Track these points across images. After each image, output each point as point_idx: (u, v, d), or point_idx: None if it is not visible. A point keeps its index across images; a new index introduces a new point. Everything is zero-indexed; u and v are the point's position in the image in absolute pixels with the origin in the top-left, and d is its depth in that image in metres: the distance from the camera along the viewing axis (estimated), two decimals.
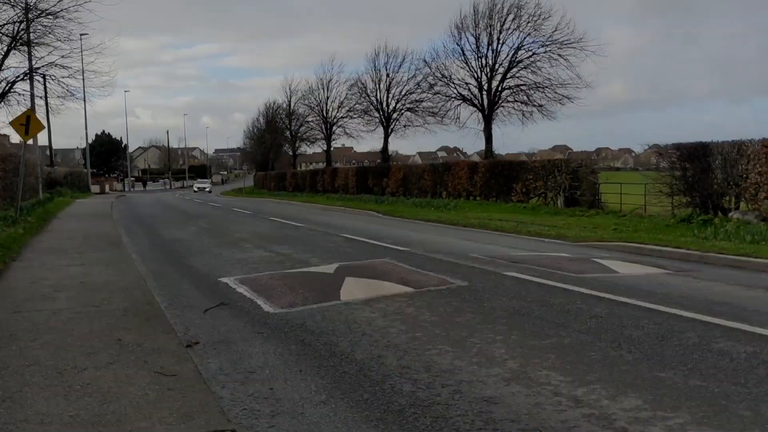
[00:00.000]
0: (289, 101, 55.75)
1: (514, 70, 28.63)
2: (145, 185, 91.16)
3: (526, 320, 6.42)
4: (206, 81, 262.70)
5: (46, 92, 26.66)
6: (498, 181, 25.89)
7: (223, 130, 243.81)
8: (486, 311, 6.84)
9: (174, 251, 13.20)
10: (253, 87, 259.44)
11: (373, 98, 38.52)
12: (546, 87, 27.94)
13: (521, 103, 29.14)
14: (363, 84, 38.96)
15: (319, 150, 68.69)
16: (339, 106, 46.56)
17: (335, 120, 47.39)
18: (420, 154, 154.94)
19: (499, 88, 29.22)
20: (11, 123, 18.10)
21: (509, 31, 28.36)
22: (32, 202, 26.33)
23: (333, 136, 48.36)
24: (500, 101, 29.35)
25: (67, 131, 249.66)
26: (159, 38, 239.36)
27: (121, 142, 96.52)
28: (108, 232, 17.19)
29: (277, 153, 70.50)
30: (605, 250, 12.60)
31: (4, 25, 20.94)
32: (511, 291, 7.86)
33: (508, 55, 28.61)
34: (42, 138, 55.13)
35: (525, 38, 27.96)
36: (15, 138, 59.22)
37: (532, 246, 13.22)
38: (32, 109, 25.02)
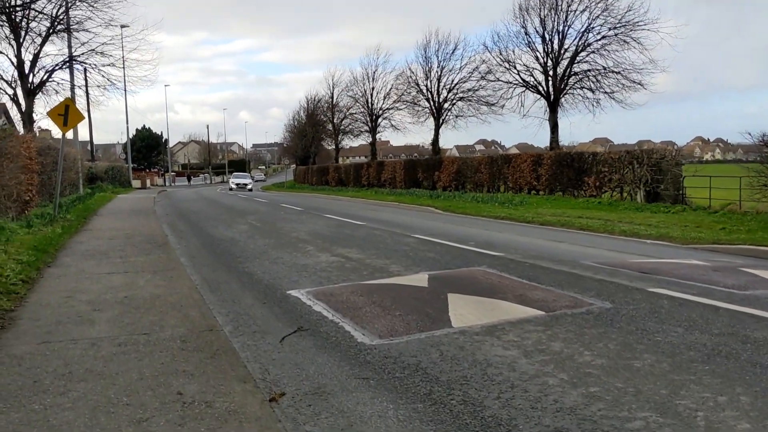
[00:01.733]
0: (332, 93, 54.24)
1: (583, 54, 26.51)
2: (189, 180, 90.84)
3: (738, 366, 4.64)
4: (244, 76, 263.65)
5: (86, 82, 25.48)
6: (566, 174, 23.90)
7: (260, 125, 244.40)
8: (667, 350, 5.06)
9: (227, 254, 11.67)
10: (290, 82, 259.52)
11: (423, 87, 36.66)
12: (617, 72, 25.77)
13: (588, 90, 27.00)
14: (413, 73, 37.16)
15: (356, 144, 67.27)
16: (385, 97, 44.86)
17: (381, 112, 45.71)
18: (457, 147, 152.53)
19: (566, 74, 27.08)
20: (49, 113, 16.80)
21: (576, 13, 26.29)
22: (72, 198, 25.21)
23: (378, 129, 46.74)
24: (567, 88, 27.22)
25: (108, 127, 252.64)
26: (197, 34, 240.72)
27: (161, 136, 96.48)
28: (152, 231, 15.78)
29: (318, 147, 69.18)
30: (730, 254, 10.69)
31: (42, 9, 19.70)
32: (679, 317, 6.05)
33: (576, 38, 26.54)
34: (83, 132, 54.70)
35: (594, 20, 25.82)
36: (57, 133, 59.07)
37: (640, 249, 11.35)
38: (72, 99, 23.85)
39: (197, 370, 4.73)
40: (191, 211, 24.22)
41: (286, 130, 77.02)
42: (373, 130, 46.79)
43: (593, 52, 26.30)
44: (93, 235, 14.83)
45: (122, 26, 25.38)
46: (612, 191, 22.14)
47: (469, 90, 34.79)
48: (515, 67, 28.10)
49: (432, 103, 36.18)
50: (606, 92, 26.36)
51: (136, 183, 56.96)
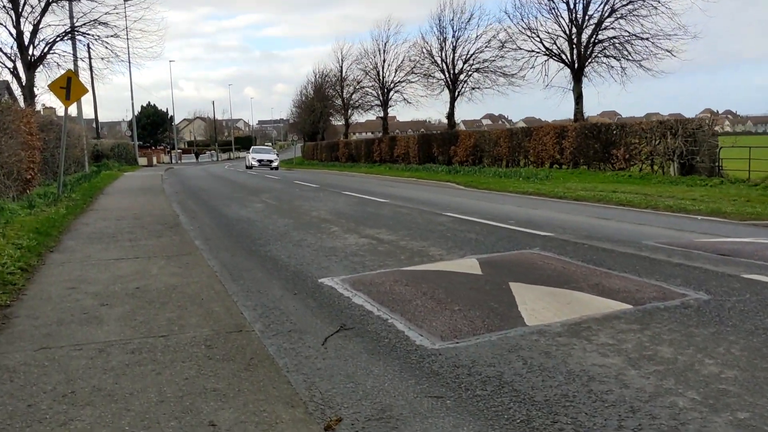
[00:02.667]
0: (341, 67, 52.89)
1: (609, 20, 25.20)
2: (197, 157, 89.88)
3: None
4: (248, 52, 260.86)
5: (90, 55, 24.40)
6: (592, 146, 22.81)
7: (266, 102, 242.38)
8: None
9: (245, 235, 10.75)
10: (296, 57, 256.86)
11: (438, 58, 35.36)
12: (645, 39, 24.49)
13: (613, 58, 25.70)
14: (427, 43, 35.84)
15: (363, 120, 66.02)
16: (397, 70, 43.56)
17: (392, 85, 44.45)
18: (464, 122, 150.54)
19: (591, 41, 25.79)
20: (50, 86, 15.81)
21: None
22: (77, 176, 24.31)
23: (390, 103, 45.46)
24: (592, 56, 25.94)
25: (113, 104, 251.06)
26: (201, 9, 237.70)
27: (167, 113, 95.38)
28: (162, 210, 14.86)
29: (326, 123, 67.99)
30: None
31: None
32: None
33: (601, 3, 25.19)
34: (87, 110, 53.71)
35: None
36: (61, 109, 58.08)
37: (697, 227, 10.39)
38: (75, 72, 22.81)
39: (230, 389, 3.81)
40: (201, 189, 23.30)
41: (294, 105, 75.70)
42: (384, 104, 45.55)
43: (620, 17, 25.03)
44: (99, 215, 13.92)
45: (125, 0, 24.32)
46: (642, 164, 21.07)
47: (485, 60, 33.55)
48: (538, 35, 26.84)
49: (447, 75, 34.96)
50: (633, 60, 25.10)
51: (142, 160, 56.07)
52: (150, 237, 10.43)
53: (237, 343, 4.73)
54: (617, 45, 25.57)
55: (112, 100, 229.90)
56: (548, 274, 6.42)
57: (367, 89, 48.34)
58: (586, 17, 25.66)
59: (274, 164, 46.71)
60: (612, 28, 25.42)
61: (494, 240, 8.84)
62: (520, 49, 27.65)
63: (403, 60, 42.61)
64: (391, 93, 44.77)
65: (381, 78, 44.99)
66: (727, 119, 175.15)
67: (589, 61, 25.97)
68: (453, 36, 34.51)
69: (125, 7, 24.66)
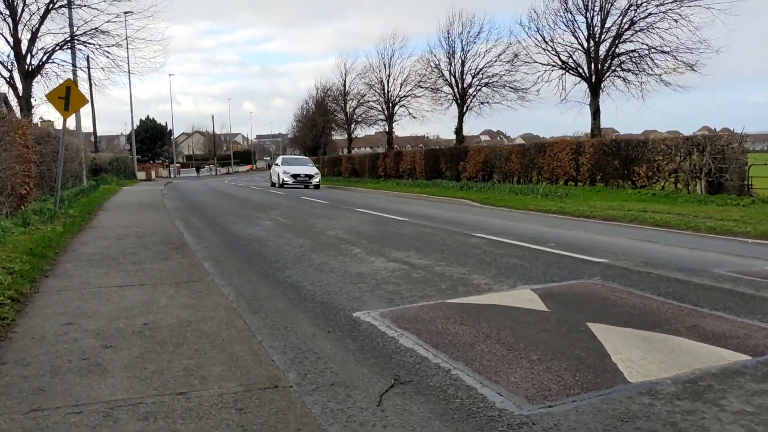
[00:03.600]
0: (344, 80, 52.10)
1: (629, 33, 24.38)
2: (198, 171, 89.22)
3: None
4: (247, 67, 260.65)
5: (89, 66, 23.52)
6: (611, 163, 21.95)
7: (264, 116, 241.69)
8: None
9: (258, 257, 9.83)
10: (294, 72, 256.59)
11: (446, 72, 34.58)
12: (666, 53, 23.68)
13: (631, 72, 24.88)
14: (435, 57, 35.08)
15: (362, 135, 65.20)
16: (402, 84, 42.77)
17: (398, 99, 43.66)
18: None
19: (609, 55, 24.99)
20: (48, 96, 14.90)
21: None
22: (75, 191, 23.37)
23: (394, 117, 44.69)
24: (610, 70, 25.13)
25: (111, 117, 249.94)
26: (200, 24, 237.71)
27: (165, 127, 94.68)
28: (166, 228, 13.94)
29: (327, 137, 67.25)
30: None
31: None
32: None
33: (620, 16, 24.38)
34: (85, 123, 52.91)
35: None
36: (60, 122, 57.12)
37: (754, 251, 9.52)
38: (75, 82, 21.93)
39: None
40: (204, 205, 22.37)
41: (295, 119, 74.94)
42: (389, 119, 44.74)
43: (639, 30, 24.25)
44: (99, 233, 12.99)
45: (126, 12, 23.50)
46: (665, 182, 20.21)
47: (495, 75, 32.79)
48: (554, 48, 26.02)
49: (455, 89, 34.17)
50: (653, 74, 24.30)
51: (141, 175, 55.13)
52: (155, 259, 9.50)
53: (275, 405, 3.80)
54: (634, 59, 24.80)
55: (110, 113, 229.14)
56: (628, 311, 5.49)
57: (372, 103, 47.57)
58: (604, 30, 24.90)
59: (315, 181, 34.04)
60: (630, 41, 24.71)
61: (542, 267, 7.92)
62: (535, 62, 26.86)
63: (408, 74, 41.90)
64: (396, 107, 44.03)
65: (386, 92, 44.23)
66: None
67: (607, 74, 25.20)
68: (462, 50, 33.81)
69: (125, 19, 23.83)
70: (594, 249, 9.24)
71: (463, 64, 33.88)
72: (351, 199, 23.44)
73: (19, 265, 8.14)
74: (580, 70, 25.78)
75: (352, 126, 53.36)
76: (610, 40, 24.95)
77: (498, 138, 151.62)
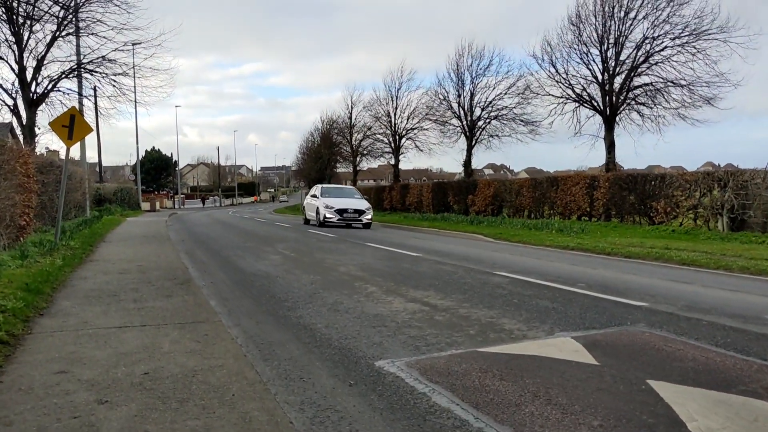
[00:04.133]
0: (350, 113, 51.92)
1: (644, 66, 24.00)
2: (203, 202, 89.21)
3: None
4: (253, 99, 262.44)
5: (96, 96, 23.19)
6: (627, 198, 21.41)
7: (269, 148, 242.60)
8: None
9: (267, 295, 9.25)
10: (300, 105, 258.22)
11: (454, 104, 34.23)
12: (682, 86, 23.25)
13: (646, 105, 24.45)
14: (444, 89, 34.75)
15: (365, 167, 64.80)
16: (409, 117, 42.47)
17: (404, 132, 43.32)
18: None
19: (625, 88, 24.59)
20: (51, 124, 14.48)
21: (636, 21, 23.83)
22: (78, 221, 22.86)
23: (401, 150, 44.27)
24: (625, 103, 24.71)
25: (117, 149, 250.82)
26: (207, 57, 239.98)
27: (171, 158, 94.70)
28: (170, 262, 13.37)
29: (332, 170, 66.97)
30: None
31: (49, 9, 17.41)
32: None
33: (635, 49, 23.99)
34: (90, 153, 52.77)
35: (656, 26, 23.29)
36: (70, 153, 56.80)
37: None
38: (80, 111, 21.56)
39: None
40: (209, 237, 21.82)
41: (299, 151, 74.82)
42: (395, 151, 44.39)
43: (655, 63, 23.89)
44: (100, 267, 12.42)
45: (134, 43, 23.19)
46: (683, 218, 19.64)
47: (504, 108, 32.44)
48: (568, 81, 25.63)
49: (464, 122, 33.80)
50: (669, 108, 23.84)
51: (145, 205, 54.77)
52: (158, 296, 8.91)
53: None
54: (648, 92, 24.40)
55: (117, 144, 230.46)
56: (691, 367, 4.88)
57: (379, 136, 47.28)
58: (619, 62, 24.54)
59: (367, 218, 25.29)
60: (646, 74, 24.33)
61: (578, 310, 7.30)
62: (549, 94, 26.46)
63: (416, 107, 41.65)
64: (403, 140, 43.70)
65: (393, 125, 43.93)
66: None
67: (622, 108, 24.78)
68: (471, 82, 33.52)
69: (133, 48, 23.53)
70: (628, 290, 8.62)
71: (472, 97, 33.59)
72: (359, 232, 22.86)
73: (12, 302, 7.57)
74: (595, 103, 25.41)
75: (358, 158, 53.03)
76: (625, 73, 24.58)
77: (501, 171, 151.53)
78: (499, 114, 33.02)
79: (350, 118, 52.36)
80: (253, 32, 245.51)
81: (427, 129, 40.84)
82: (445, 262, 12.33)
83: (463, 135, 34.29)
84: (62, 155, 47.55)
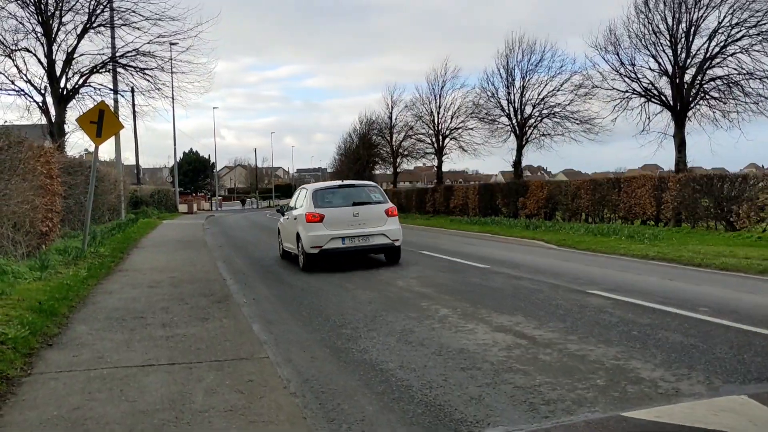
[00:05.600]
0: (391, 113, 50.31)
1: (719, 57, 21.86)
2: (243, 203, 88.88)
3: None
4: (289, 102, 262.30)
5: (133, 95, 22.02)
6: (701, 201, 19.46)
7: (305, 150, 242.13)
8: None
9: (319, 317, 7.80)
10: (335, 107, 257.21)
11: (504, 101, 32.41)
12: (761, 79, 21.11)
13: (719, 100, 22.35)
14: (494, 87, 32.94)
15: (404, 169, 63.14)
16: (453, 115, 40.74)
17: (448, 132, 41.64)
18: (502, 173, 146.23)
19: (697, 81, 22.52)
20: (78, 120, 13.27)
21: (710, 8, 21.74)
22: (111, 225, 21.77)
23: (444, 150, 42.58)
24: (698, 97, 22.65)
25: (156, 151, 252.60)
26: (244, 60, 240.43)
27: (208, 160, 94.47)
28: (206, 272, 12.02)
29: (371, 171, 65.56)
30: None
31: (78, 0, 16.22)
32: None
33: (708, 39, 21.92)
34: (128, 154, 52.12)
35: (735, 12, 21.21)
36: (106, 155, 56.19)
37: None
38: (115, 108, 20.40)
39: None
40: (248, 242, 20.53)
41: (337, 152, 73.45)
42: (439, 152, 42.66)
43: (731, 54, 21.81)
44: (129, 279, 11.11)
45: (171, 43, 21.89)
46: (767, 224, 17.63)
47: (558, 105, 30.53)
48: (635, 73, 23.64)
49: (514, 120, 31.99)
50: (749, 103, 21.72)
51: (182, 208, 54.02)
52: (191, 320, 7.50)
53: None
54: (721, 87, 22.29)
55: (155, 146, 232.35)
56: None
57: (421, 136, 45.55)
58: (690, 54, 22.50)
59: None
60: (720, 66, 22.25)
61: (727, 350, 5.64)
62: (613, 89, 24.48)
63: (460, 105, 39.87)
64: (447, 140, 41.96)
65: (436, 124, 42.23)
66: None
67: (694, 102, 22.73)
68: (522, 78, 31.66)
69: (171, 50, 22.25)
70: (764, 318, 6.90)
71: (522, 93, 31.73)
72: (407, 237, 21.23)
73: (16, 329, 6.22)
74: (663, 98, 23.38)
75: (398, 159, 51.43)
76: (697, 65, 22.51)
77: (539, 173, 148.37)
78: (552, 112, 31.14)
79: (390, 117, 50.73)
80: (289, 35, 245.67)
81: (471, 128, 39.05)
82: (519, 275, 10.69)
83: (512, 134, 32.45)
84: (102, 157, 46.81)
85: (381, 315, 7.79)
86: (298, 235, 12.69)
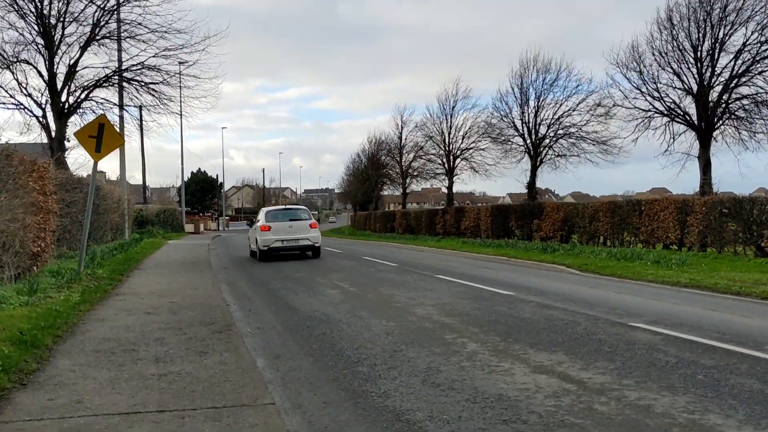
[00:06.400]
0: (400, 132, 49.71)
1: (744, 78, 21.02)
2: (251, 223, 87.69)
3: None
4: (298, 123, 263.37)
5: (141, 113, 21.33)
6: (729, 225, 18.57)
7: (314, 171, 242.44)
8: None
9: (332, 352, 6.97)
10: (344, 129, 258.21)
11: (518, 121, 31.66)
12: None
13: (746, 120, 21.50)
14: (507, 106, 32.18)
15: (415, 190, 62.43)
16: (464, 136, 40.01)
17: (459, 152, 40.87)
18: (510, 195, 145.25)
19: (723, 99, 21.68)
20: (77, 134, 12.55)
21: (736, 25, 20.98)
22: (113, 245, 21.02)
23: (455, 171, 41.79)
24: (724, 117, 21.79)
25: (165, 170, 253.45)
26: (254, 81, 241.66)
27: (216, 180, 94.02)
28: (208, 297, 11.20)
29: (379, 192, 64.97)
30: None
31: (81, 11, 15.58)
32: None
33: (732, 59, 21.07)
34: (136, 174, 51.60)
35: (763, 31, 20.39)
36: (113, 174, 55.56)
37: None
38: (121, 126, 19.74)
39: None
40: (254, 263, 19.70)
41: (346, 173, 72.95)
42: (450, 173, 41.94)
43: (759, 73, 20.96)
44: (125, 304, 10.30)
45: (180, 62, 21.17)
46: None
47: (572, 125, 29.75)
48: (657, 91, 22.79)
49: (528, 141, 31.18)
50: None
51: (189, 227, 53.32)
52: (189, 353, 6.67)
53: None
54: (747, 106, 21.45)
55: (163, 166, 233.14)
56: None
57: (432, 156, 44.85)
58: (715, 72, 21.68)
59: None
60: (746, 85, 21.42)
61: None
62: (635, 107, 23.66)
63: (471, 125, 39.20)
64: (458, 160, 41.22)
65: (447, 145, 41.50)
66: None
67: (721, 122, 21.86)
68: (536, 97, 30.92)
69: (180, 69, 21.55)
70: None
71: (536, 114, 30.97)
72: (420, 260, 20.45)
73: None
74: (688, 118, 22.52)
75: (408, 180, 50.72)
76: (722, 84, 21.68)
77: (546, 196, 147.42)
78: (567, 132, 30.35)
79: (400, 138, 50.18)
80: (300, 57, 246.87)
81: (483, 149, 38.34)
82: (548, 304, 9.81)
83: (527, 154, 31.65)
84: (110, 177, 46.07)
85: (401, 349, 6.94)
86: (256, 239, 20.36)
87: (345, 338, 7.71)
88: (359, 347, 7.15)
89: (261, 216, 20.91)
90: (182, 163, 47.24)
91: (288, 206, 24.11)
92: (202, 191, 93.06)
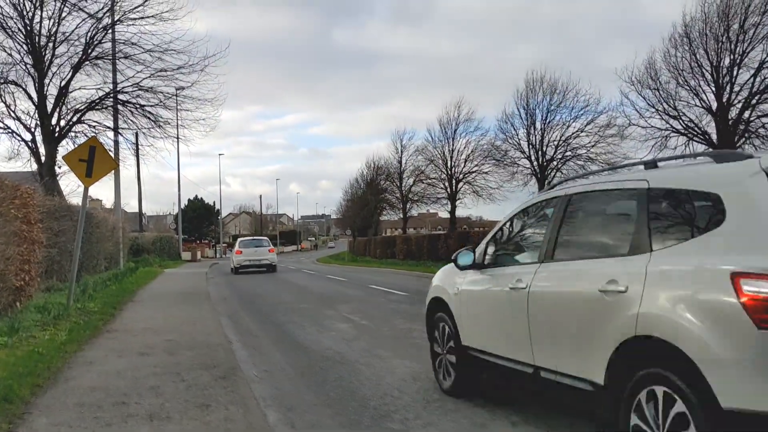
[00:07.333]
0: (400, 157, 48.98)
1: (766, 95, 20.29)
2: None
3: None
4: (295, 149, 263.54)
5: (138, 139, 20.47)
6: None
7: (310, 197, 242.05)
8: None
9: (354, 402, 6.06)
10: (340, 154, 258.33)
11: (524, 143, 30.89)
12: None
13: (767, 138, 20.73)
14: (513, 128, 31.42)
15: (396, 217, 61.70)
16: (467, 159, 39.25)
17: (461, 176, 40.09)
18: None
19: (743, 118, 20.93)
20: (66, 158, 11.68)
21: (756, 41, 20.28)
22: (107, 275, 20.03)
23: (457, 195, 40.96)
24: (745, 136, 21.03)
25: (161, 198, 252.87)
26: (251, 108, 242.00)
27: (213, 207, 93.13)
28: (208, 334, 10.23)
29: (378, 217, 64.11)
30: None
31: (73, 31, 14.79)
32: None
33: (752, 75, 20.34)
34: (132, 202, 50.67)
35: None
36: (110, 203, 54.61)
37: None
38: (116, 152, 18.85)
39: None
40: (255, 294, 18.72)
41: (344, 198, 72.15)
42: (452, 197, 41.13)
43: None
44: (116, 344, 9.32)
45: (177, 89, 20.36)
46: None
47: (581, 146, 28.99)
48: (675, 109, 21.99)
49: (535, 162, 30.40)
50: None
51: (186, 255, 52.29)
52: (188, 408, 5.71)
53: None
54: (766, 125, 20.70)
55: (160, 194, 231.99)
56: None
57: (433, 180, 44.04)
58: (734, 90, 20.96)
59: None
60: (767, 102, 20.70)
61: None
62: (651, 126, 22.88)
63: (474, 149, 38.48)
64: (460, 184, 40.42)
65: (449, 168, 40.72)
66: None
67: (740, 142, 21.08)
68: (542, 119, 30.18)
69: (177, 98, 20.78)
70: None
71: (542, 136, 30.21)
72: (424, 290, 19.45)
73: None
74: (707, 136, 21.75)
75: (408, 205, 49.86)
76: (742, 102, 20.95)
77: None
78: (576, 154, 29.59)
79: (400, 162, 49.42)
80: (296, 83, 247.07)
81: (486, 172, 37.55)
82: None
83: (533, 177, 30.84)
84: (105, 204, 45.13)
85: (435, 399, 6.00)
86: (233, 260, 31.41)
87: (366, 384, 6.75)
88: (384, 395, 6.20)
89: (237, 244, 32.90)
90: (179, 190, 46.44)
91: (254, 237, 39.98)
92: (199, 218, 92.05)
